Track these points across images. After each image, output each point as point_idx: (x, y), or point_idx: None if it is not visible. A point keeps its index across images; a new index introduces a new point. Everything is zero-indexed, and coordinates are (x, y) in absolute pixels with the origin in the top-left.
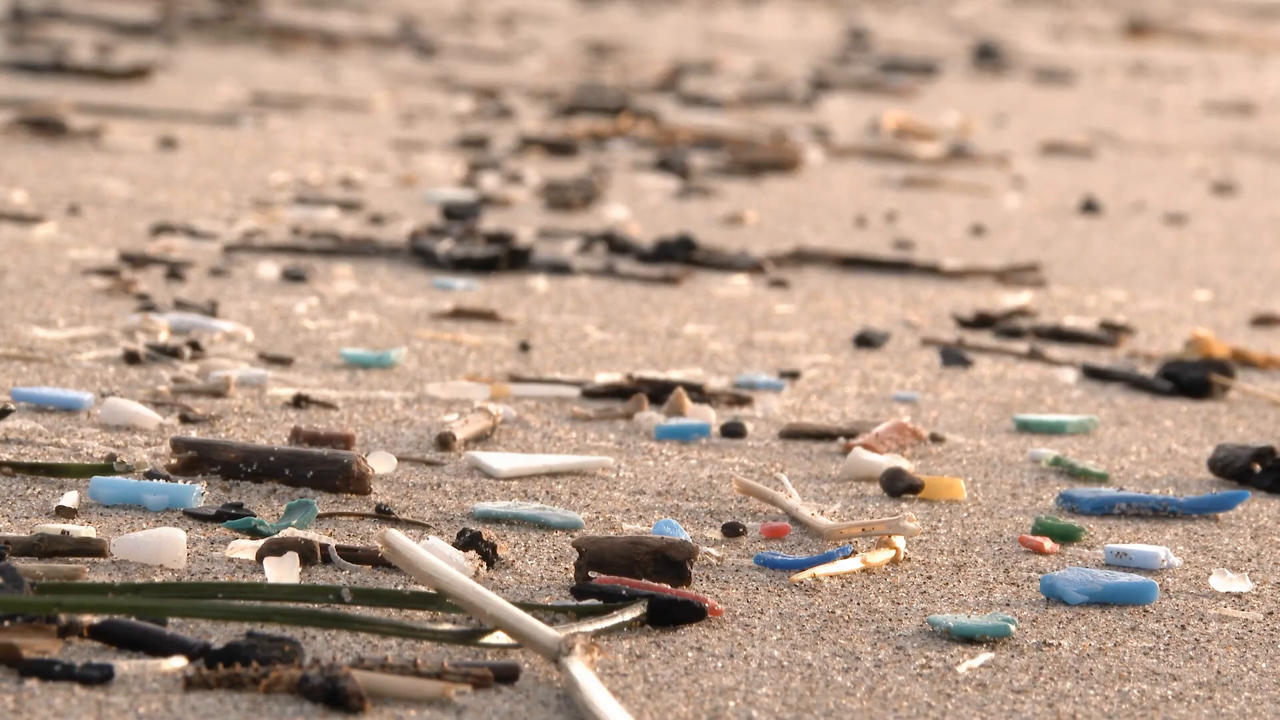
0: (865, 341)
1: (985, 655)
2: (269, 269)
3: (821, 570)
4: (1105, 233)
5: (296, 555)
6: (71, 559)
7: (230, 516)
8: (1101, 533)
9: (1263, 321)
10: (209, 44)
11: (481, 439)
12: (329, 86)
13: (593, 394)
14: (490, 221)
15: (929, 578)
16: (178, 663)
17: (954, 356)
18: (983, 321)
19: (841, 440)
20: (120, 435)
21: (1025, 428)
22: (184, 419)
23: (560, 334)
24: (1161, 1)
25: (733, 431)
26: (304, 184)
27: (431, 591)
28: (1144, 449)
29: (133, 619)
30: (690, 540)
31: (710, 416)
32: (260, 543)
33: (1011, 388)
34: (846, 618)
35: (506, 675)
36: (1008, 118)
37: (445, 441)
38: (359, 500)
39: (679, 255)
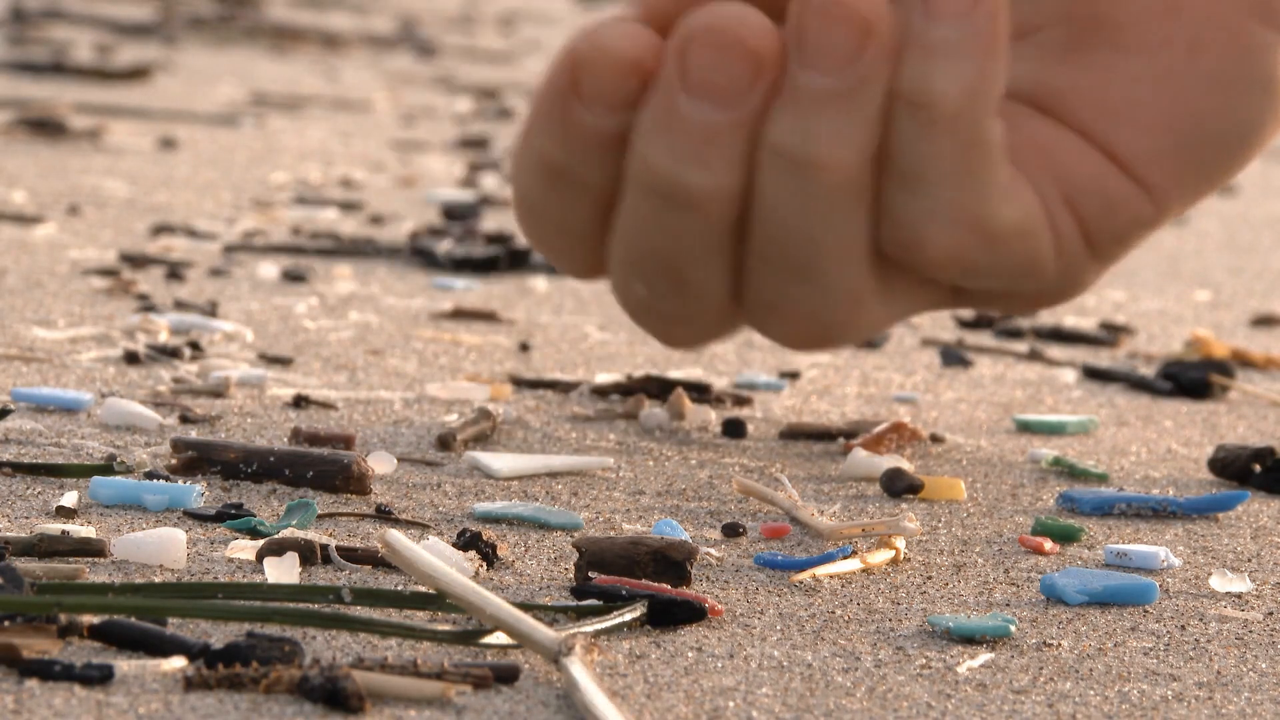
0: (865, 341)
1: (985, 655)
2: (269, 269)
3: (821, 570)
4: None
5: (296, 555)
6: (71, 559)
7: (230, 516)
8: (1101, 533)
9: (1263, 321)
10: (209, 44)
11: (481, 439)
12: (329, 86)
13: (603, 391)
14: (490, 222)
15: (929, 578)
16: (178, 663)
17: (954, 357)
18: (983, 322)
19: (841, 440)
20: (120, 435)
21: (1025, 428)
22: (184, 419)
23: (560, 334)
24: None
25: (733, 431)
26: (304, 184)
27: (431, 591)
28: (1144, 449)
29: (133, 619)
30: (690, 540)
31: (710, 416)
32: (260, 543)
33: (1011, 388)
34: (846, 618)
35: (506, 675)
36: None
37: (446, 441)
38: (359, 500)
39: None
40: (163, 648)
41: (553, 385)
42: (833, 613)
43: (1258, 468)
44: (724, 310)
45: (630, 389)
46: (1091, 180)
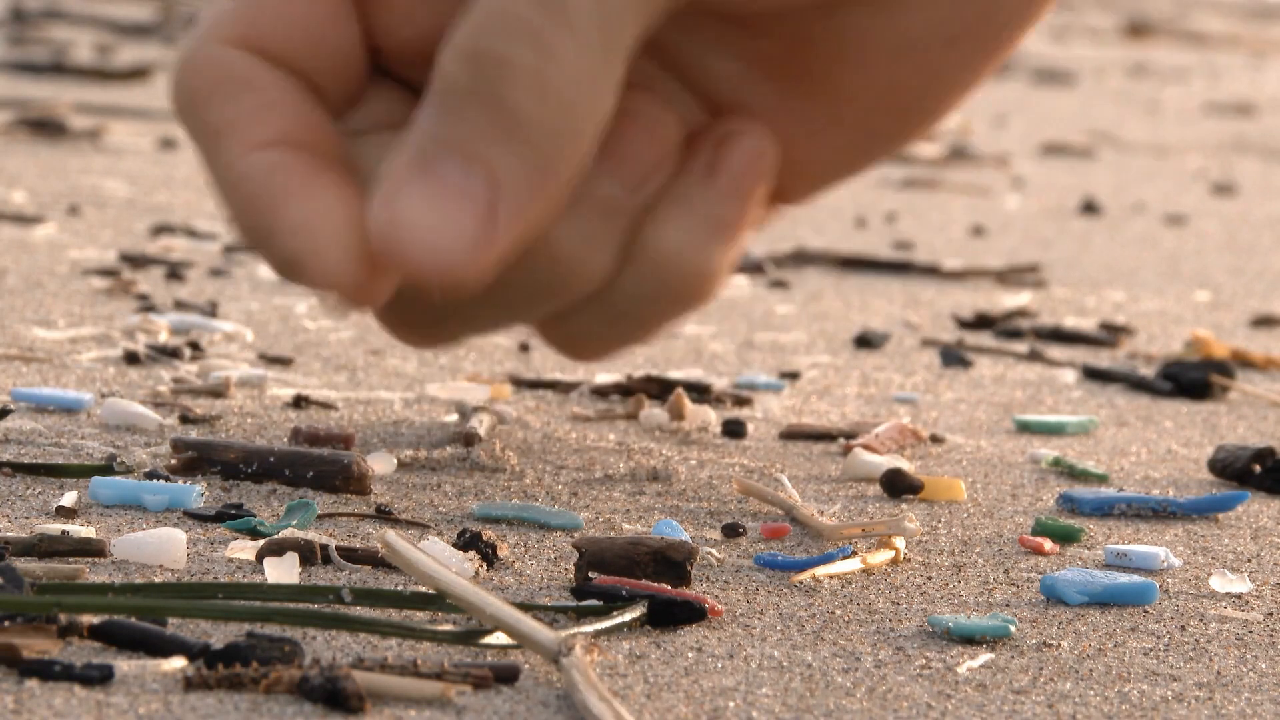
0: (865, 342)
1: (985, 655)
2: (269, 269)
3: (821, 571)
4: (1105, 233)
5: (296, 555)
6: (71, 559)
7: (230, 517)
8: (1101, 533)
9: (1263, 322)
10: None
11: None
12: None
13: (603, 391)
14: None
15: (929, 578)
16: (178, 663)
17: (954, 357)
18: (983, 322)
19: (841, 441)
20: (120, 435)
21: (1025, 428)
22: (184, 419)
23: None
24: (1161, 2)
25: (733, 431)
26: None
27: (431, 592)
28: (1144, 450)
29: (133, 619)
30: (690, 540)
31: (710, 416)
32: (260, 543)
33: (1011, 388)
34: (846, 618)
35: (506, 675)
36: (1008, 118)
37: (470, 439)
38: (359, 500)
39: None
40: (163, 648)
41: (553, 385)
42: (833, 613)
43: (1258, 468)
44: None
45: (630, 389)
46: None
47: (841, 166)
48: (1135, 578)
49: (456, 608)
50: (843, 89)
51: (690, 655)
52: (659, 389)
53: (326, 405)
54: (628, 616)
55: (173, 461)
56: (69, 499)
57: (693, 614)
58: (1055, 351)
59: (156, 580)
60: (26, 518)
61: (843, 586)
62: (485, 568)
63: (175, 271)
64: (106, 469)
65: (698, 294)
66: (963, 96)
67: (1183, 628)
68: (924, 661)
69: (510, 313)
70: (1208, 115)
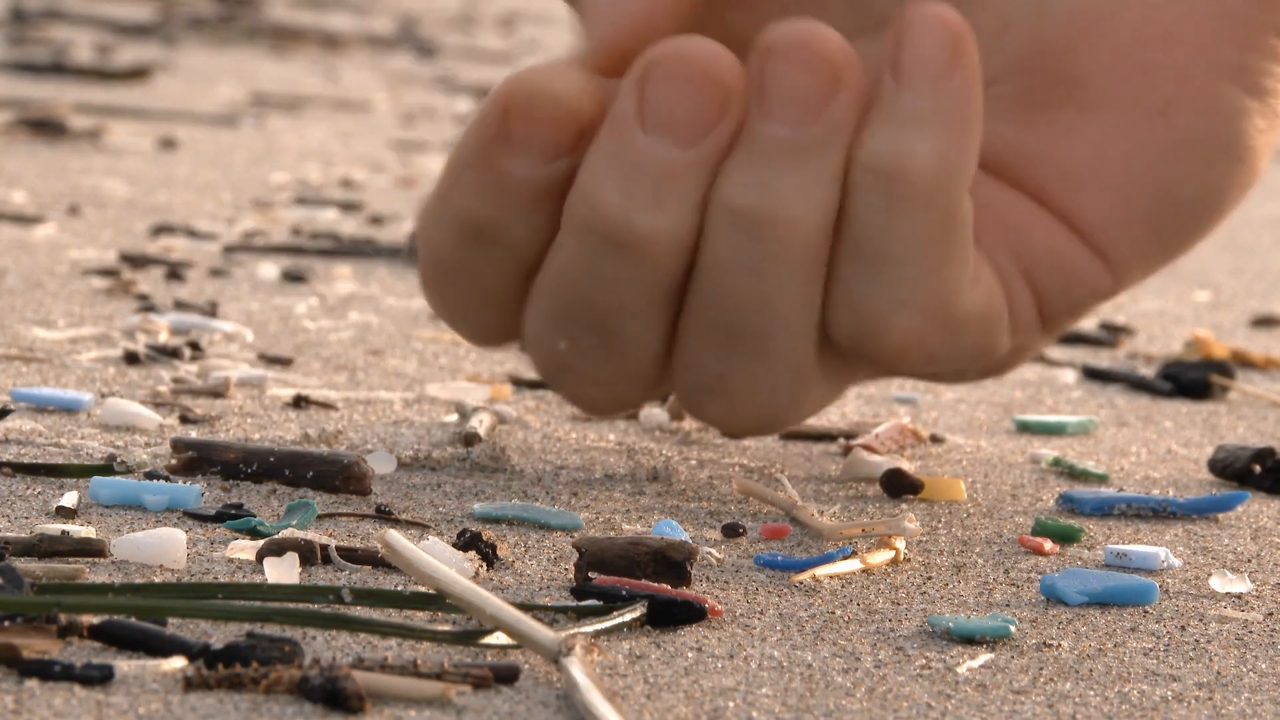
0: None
1: (985, 656)
2: (269, 269)
3: (821, 571)
4: None
5: (296, 555)
6: (71, 559)
7: (230, 517)
8: (1101, 533)
9: (1263, 322)
10: (209, 44)
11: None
12: (329, 87)
13: None
14: None
15: (929, 578)
16: (178, 663)
17: None
18: None
19: (841, 441)
20: (120, 435)
21: (1025, 428)
22: (184, 419)
23: None
24: None
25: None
26: (304, 184)
27: (431, 592)
28: (1144, 450)
29: (133, 619)
30: (690, 540)
31: None
32: (260, 543)
33: (1011, 388)
34: (846, 618)
35: (506, 675)
36: None
37: (470, 439)
38: (359, 500)
39: None
40: (163, 648)
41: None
42: (833, 613)
43: (1258, 468)
44: (650, 374)
45: None
46: (1050, 253)
47: (1136, 178)
48: (1135, 578)
49: (456, 608)
50: (1071, 65)
51: (690, 655)
52: None
53: (326, 405)
54: (628, 616)
55: (173, 461)
56: (69, 499)
57: (693, 614)
58: (1055, 351)
59: (156, 580)
60: (26, 518)
61: (843, 586)
62: (485, 568)
63: (175, 271)
64: (106, 469)
65: (941, 202)
66: (1220, 94)
67: (1183, 628)
68: (924, 661)
69: (777, 295)
70: None
